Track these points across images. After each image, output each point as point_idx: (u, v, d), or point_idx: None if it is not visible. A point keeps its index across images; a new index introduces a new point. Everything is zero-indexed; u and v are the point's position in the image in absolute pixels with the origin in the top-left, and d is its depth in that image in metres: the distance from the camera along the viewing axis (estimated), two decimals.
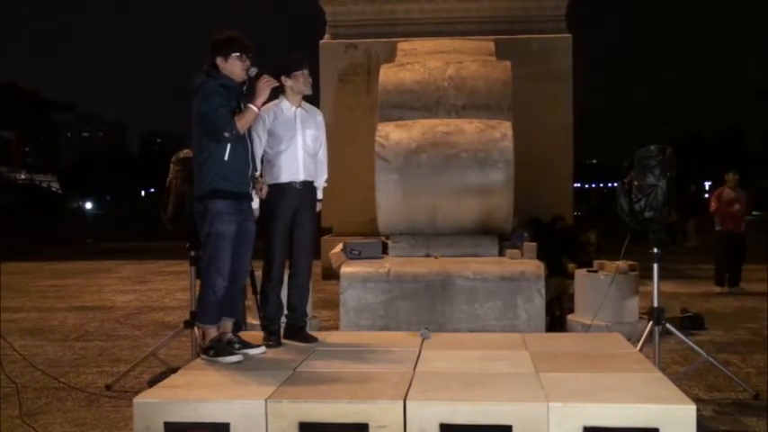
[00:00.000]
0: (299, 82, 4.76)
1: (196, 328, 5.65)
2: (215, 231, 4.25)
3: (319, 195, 4.98)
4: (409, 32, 12.32)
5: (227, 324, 4.44)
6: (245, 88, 4.40)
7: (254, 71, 4.37)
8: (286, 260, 4.88)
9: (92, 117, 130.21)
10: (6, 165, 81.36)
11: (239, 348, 4.34)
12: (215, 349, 4.27)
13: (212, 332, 4.36)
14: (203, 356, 4.31)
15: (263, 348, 4.44)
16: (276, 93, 4.66)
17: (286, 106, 4.79)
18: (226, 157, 4.22)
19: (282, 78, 4.67)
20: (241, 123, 4.25)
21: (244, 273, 4.54)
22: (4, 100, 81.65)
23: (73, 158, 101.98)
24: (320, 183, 4.98)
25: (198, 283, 5.68)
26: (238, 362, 4.21)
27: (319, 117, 4.99)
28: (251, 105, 4.30)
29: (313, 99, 5.02)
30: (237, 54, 4.33)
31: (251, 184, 4.47)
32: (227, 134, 4.18)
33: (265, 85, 4.34)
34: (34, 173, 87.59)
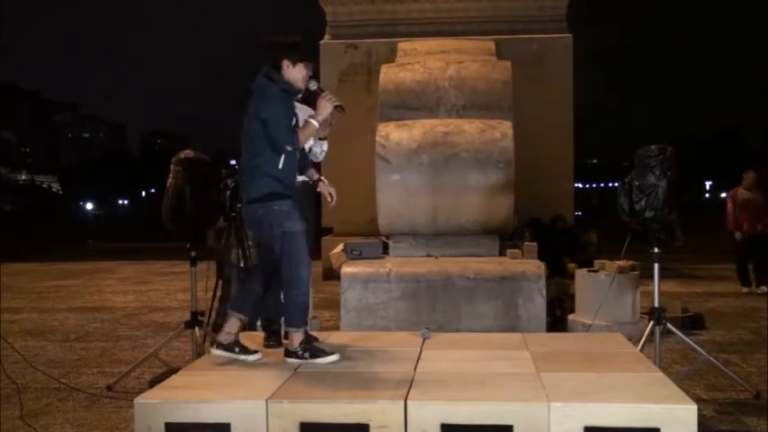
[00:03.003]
0: None
1: (197, 329, 5.67)
2: (290, 230, 4.15)
3: (315, 176, 4.86)
4: (410, 32, 12.33)
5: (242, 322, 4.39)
6: (299, 97, 4.37)
7: (314, 85, 4.30)
8: None
9: (92, 117, 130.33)
10: (7, 166, 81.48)
11: (239, 352, 4.25)
12: (309, 351, 4.16)
13: (299, 335, 4.22)
14: (292, 359, 4.15)
15: (258, 355, 4.36)
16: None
17: None
18: (280, 166, 4.16)
19: None
20: (302, 138, 4.24)
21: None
22: (4, 100, 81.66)
23: (74, 159, 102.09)
24: (309, 174, 4.87)
25: (198, 283, 5.73)
26: (335, 362, 4.12)
27: None
28: (312, 121, 4.24)
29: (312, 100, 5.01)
30: (305, 63, 4.24)
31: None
32: (288, 148, 4.15)
33: (329, 102, 4.27)
34: (35, 173, 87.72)
